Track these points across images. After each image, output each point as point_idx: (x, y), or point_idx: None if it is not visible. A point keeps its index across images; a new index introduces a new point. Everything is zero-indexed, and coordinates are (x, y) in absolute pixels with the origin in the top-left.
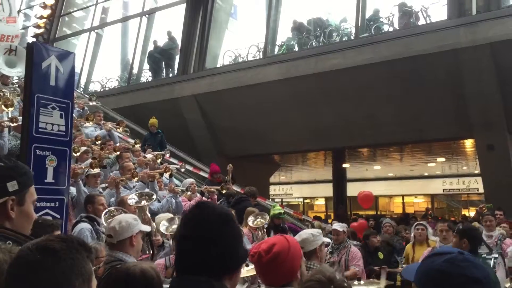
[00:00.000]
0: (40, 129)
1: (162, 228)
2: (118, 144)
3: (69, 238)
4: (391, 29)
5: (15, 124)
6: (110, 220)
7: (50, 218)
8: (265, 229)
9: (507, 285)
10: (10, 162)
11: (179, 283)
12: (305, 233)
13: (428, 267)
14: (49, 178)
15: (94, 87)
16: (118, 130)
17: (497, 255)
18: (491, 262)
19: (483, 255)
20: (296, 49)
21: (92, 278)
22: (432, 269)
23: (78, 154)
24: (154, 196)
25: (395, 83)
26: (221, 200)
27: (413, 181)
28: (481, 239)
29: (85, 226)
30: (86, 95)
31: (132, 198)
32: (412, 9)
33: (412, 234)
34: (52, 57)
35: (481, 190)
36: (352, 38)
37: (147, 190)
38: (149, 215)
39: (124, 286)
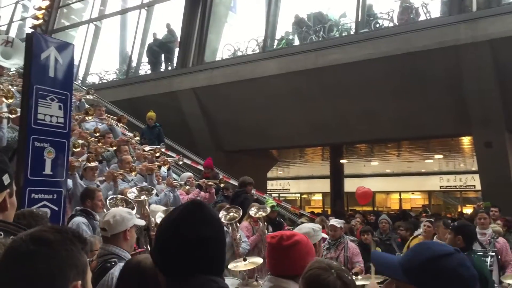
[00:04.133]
0: (38, 121)
1: (158, 220)
2: (117, 139)
3: (64, 229)
4: (391, 24)
5: (14, 116)
6: (104, 214)
7: (47, 210)
8: (265, 223)
9: (510, 281)
10: None
11: (187, 284)
12: (306, 227)
13: (441, 270)
14: (47, 170)
15: (92, 79)
16: (119, 125)
17: (493, 254)
18: (488, 260)
19: (479, 253)
20: (296, 43)
21: (87, 270)
22: (447, 273)
23: (78, 149)
24: (154, 191)
25: (394, 79)
26: (218, 193)
27: (411, 178)
28: (476, 236)
29: (81, 220)
30: (84, 87)
31: (132, 192)
32: (412, 4)
33: (421, 230)
34: (51, 48)
35: (478, 187)
36: (352, 33)
37: (145, 184)
38: (148, 210)
39: (138, 277)
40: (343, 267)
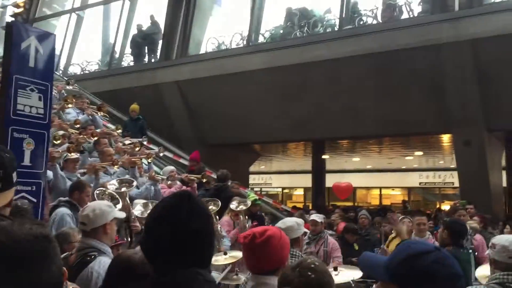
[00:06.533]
0: (18, 111)
1: (137, 213)
2: (99, 130)
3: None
4: (374, 22)
5: None
6: (83, 207)
7: (26, 201)
8: (246, 216)
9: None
10: (9, 152)
11: (174, 275)
12: (290, 221)
13: (415, 268)
14: (26, 161)
15: (74, 70)
16: (99, 113)
17: (470, 251)
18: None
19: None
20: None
21: None
22: (421, 270)
23: (59, 141)
24: (135, 183)
25: (377, 76)
26: (201, 188)
27: (391, 174)
28: (465, 234)
29: (65, 211)
30: (65, 78)
31: (112, 184)
32: (396, 2)
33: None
34: (32, 37)
35: (456, 184)
36: (336, 29)
37: (127, 176)
38: (128, 201)
39: (127, 272)
40: (321, 266)
